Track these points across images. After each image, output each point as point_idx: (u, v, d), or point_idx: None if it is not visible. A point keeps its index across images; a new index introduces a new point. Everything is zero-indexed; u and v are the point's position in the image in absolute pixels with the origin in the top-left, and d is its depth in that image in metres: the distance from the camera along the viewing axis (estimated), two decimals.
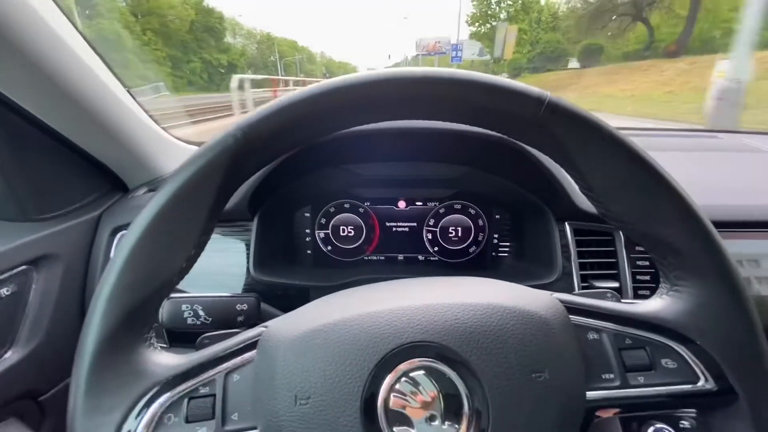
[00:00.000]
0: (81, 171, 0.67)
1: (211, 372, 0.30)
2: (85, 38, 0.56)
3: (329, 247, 0.80)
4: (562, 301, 0.32)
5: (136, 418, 0.28)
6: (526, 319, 0.29)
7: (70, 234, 0.64)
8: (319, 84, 0.29)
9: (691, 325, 0.30)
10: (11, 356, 0.54)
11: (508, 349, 0.28)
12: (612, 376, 0.30)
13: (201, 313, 0.46)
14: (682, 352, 0.30)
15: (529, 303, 0.31)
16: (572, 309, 0.32)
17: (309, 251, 0.80)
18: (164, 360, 0.31)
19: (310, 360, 0.28)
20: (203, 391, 0.30)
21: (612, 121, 0.35)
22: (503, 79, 0.29)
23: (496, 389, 0.27)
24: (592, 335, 0.31)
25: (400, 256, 0.81)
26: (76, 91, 0.55)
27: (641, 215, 0.30)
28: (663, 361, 0.30)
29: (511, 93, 0.28)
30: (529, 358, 0.28)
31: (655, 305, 0.32)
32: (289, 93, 0.29)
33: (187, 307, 0.46)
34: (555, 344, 0.29)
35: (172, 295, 0.49)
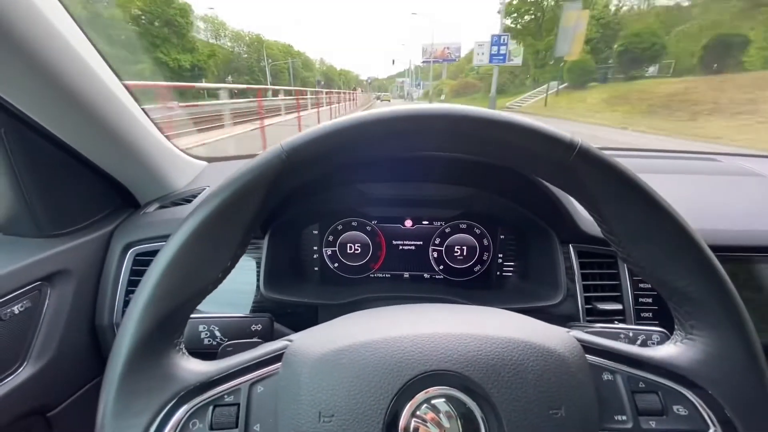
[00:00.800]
0: (94, 187, 0.69)
1: (237, 381, 0.31)
2: (99, 52, 0.58)
3: (336, 264, 0.81)
4: (579, 341, 0.33)
5: (163, 421, 0.29)
6: (545, 356, 0.30)
7: (83, 250, 0.65)
8: (367, 113, 0.31)
9: (703, 374, 0.31)
10: (23, 372, 0.55)
11: (527, 384, 0.29)
12: (625, 418, 0.31)
13: (217, 333, 0.47)
14: (693, 400, 0.31)
15: (548, 340, 0.32)
16: (588, 348, 0.33)
17: (316, 268, 0.81)
18: (193, 366, 0.32)
19: (335, 379, 0.29)
20: (228, 399, 0.31)
21: None
22: (538, 123, 0.30)
23: (513, 422, 0.28)
24: (606, 376, 0.32)
25: (406, 274, 0.82)
26: (92, 107, 0.56)
27: (661, 264, 0.31)
28: (675, 407, 0.31)
29: (545, 137, 0.30)
30: (547, 394, 0.29)
31: (669, 351, 0.33)
32: (339, 118, 0.31)
33: (204, 328, 0.47)
34: (572, 382, 0.30)
35: (192, 315, 0.50)
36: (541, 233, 0.70)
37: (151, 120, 0.71)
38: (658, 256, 0.31)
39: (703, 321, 0.31)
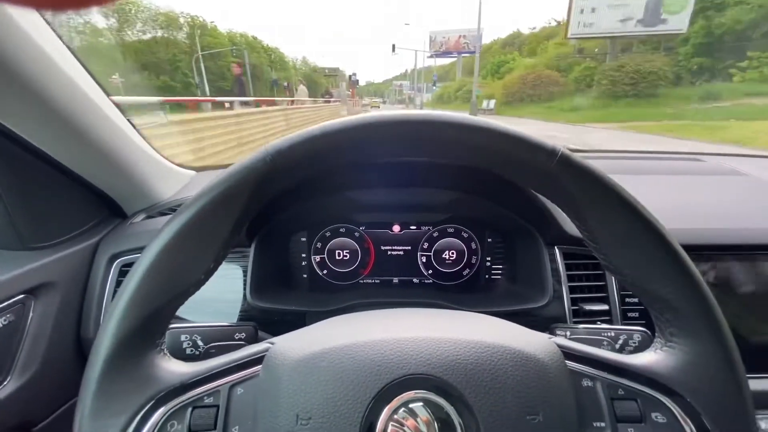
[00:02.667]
0: (79, 198, 0.68)
1: (217, 383, 0.32)
2: (81, 63, 0.58)
3: (325, 271, 0.81)
4: (560, 346, 0.33)
5: (140, 422, 0.29)
6: (524, 361, 0.31)
7: (67, 262, 0.64)
8: (353, 118, 0.31)
9: (682, 381, 0.31)
10: (7, 387, 0.54)
11: (505, 389, 0.29)
12: (603, 425, 0.31)
13: (200, 342, 0.47)
14: (671, 407, 0.31)
15: (528, 345, 0.32)
16: (569, 355, 0.33)
17: (305, 275, 0.80)
18: (173, 367, 0.32)
19: (313, 381, 0.30)
20: (207, 401, 0.31)
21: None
22: (520, 130, 0.31)
23: (491, 427, 0.28)
24: (586, 382, 0.32)
25: (395, 279, 0.82)
26: (74, 118, 0.56)
27: (642, 273, 0.31)
28: (653, 414, 0.31)
29: (527, 144, 0.31)
30: (525, 399, 0.29)
31: (649, 359, 0.33)
32: (326, 122, 0.31)
33: (186, 338, 0.47)
34: (551, 388, 0.30)
35: (172, 324, 0.50)
36: (527, 236, 0.70)
37: (137, 130, 0.71)
38: (639, 264, 0.31)
39: (682, 329, 0.31)
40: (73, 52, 0.56)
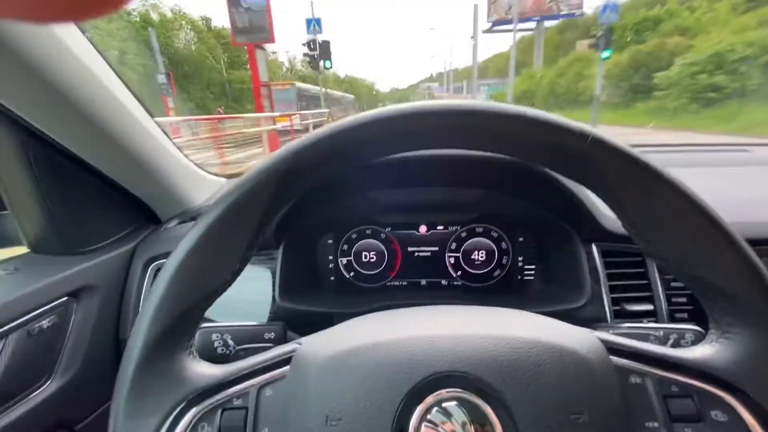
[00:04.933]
0: (118, 206, 0.71)
1: (246, 384, 0.31)
2: (117, 74, 0.61)
3: (352, 274, 0.80)
4: (603, 341, 0.31)
5: (173, 423, 0.29)
6: (565, 357, 0.29)
7: (107, 266, 0.67)
8: (372, 113, 0.31)
9: (743, 375, 0.28)
10: (50, 386, 0.56)
11: (545, 387, 0.28)
12: (656, 425, 0.29)
13: (230, 342, 0.47)
14: (733, 404, 0.28)
15: (569, 340, 0.30)
16: (613, 350, 0.31)
17: (332, 278, 0.80)
18: (203, 369, 0.32)
19: (343, 381, 0.29)
20: (237, 402, 0.31)
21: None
22: (549, 114, 0.29)
23: (531, 427, 0.27)
24: (634, 379, 0.30)
25: (423, 281, 0.80)
26: (114, 129, 0.59)
27: (690, 257, 0.29)
28: (713, 413, 0.28)
29: (557, 127, 0.29)
30: (567, 397, 0.27)
31: (703, 352, 0.30)
32: (345, 119, 0.31)
33: (217, 337, 0.47)
34: (595, 385, 0.28)
35: (203, 324, 0.51)
36: (561, 233, 0.67)
37: (170, 138, 0.74)
38: (687, 250, 0.28)
39: (740, 318, 0.28)
40: (110, 65, 0.59)
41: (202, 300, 0.31)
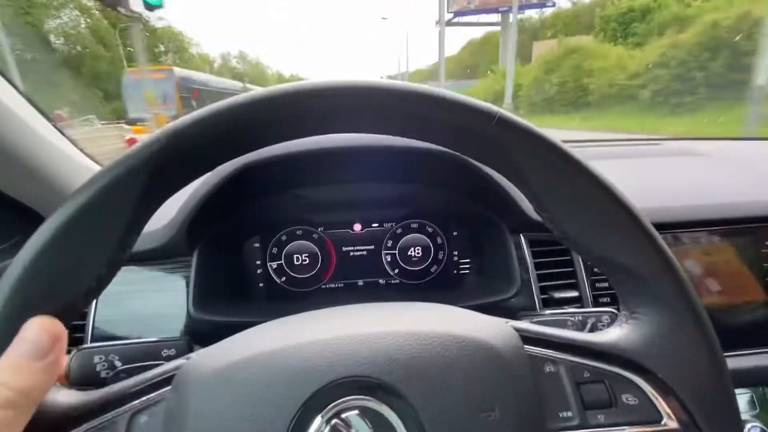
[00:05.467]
0: None
1: (114, 413, 0.26)
2: None
3: (283, 278, 0.75)
4: (517, 330, 0.29)
5: None
6: (476, 350, 0.27)
7: None
8: (267, 90, 0.27)
9: (651, 355, 0.28)
10: None
11: (454, 385, 0.25)
12: (570, 414, 0.28)
13: (117, 363, 0.40)
14: (643, 386, 0.28)
15: (480, 331, 0.28)
16: (528, 339, 0.29)
17: (261, 284, 0.74)
18: (59, 398, 0.26)
19: (228, 398, 0.25)
20: None
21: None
22: (456, 94, 0.28)
23: (438, 431, 0.24)
24: (549, 368, 0.29)
25: (360, 282, 0.77)
26: None
27: (598, 238, 0.28)
28: (624, 396, 0.28)
29: (463, 107, 0.27)
30: (477, 394, 0.25)
31: (614, 335, 0.30)
32: (232, 97, 0.27)
33: (100, 359, 0.40)
34: (507, 378, 0.26)
35: (85, 345, 0.43)
36: (491, 225, 0.68)
37: (53, 124, 0.63)
38: (594, 230, 0.28)
39: (646, 297, 0.28)
40: None
41: (58, 314, 0.25)
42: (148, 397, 0.27)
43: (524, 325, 0.30)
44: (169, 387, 0.27)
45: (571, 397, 0.28)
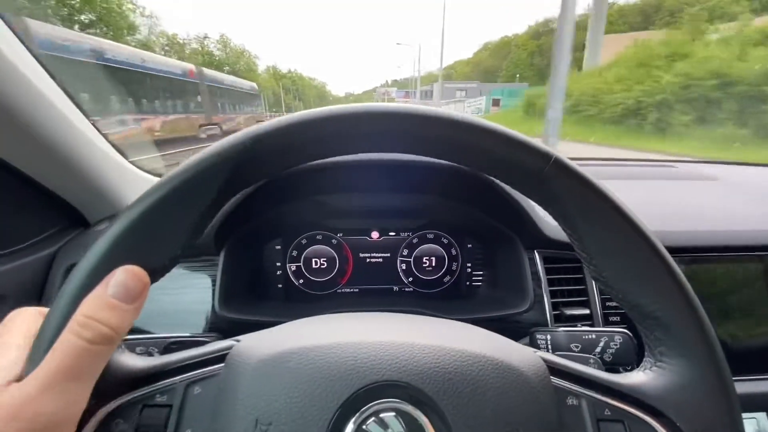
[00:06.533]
0: (35, 206, 0.64)
1: (172, 379, 0.29)
2: (39, 61, 0.54)
3: (301, 281, 0.78)
4: (545, 361, 0.31)
5: (83, 417, 0.25)
6: (507, 373, 0.29)
7: (20, 273, 0.60)
8: (343, 107, 0.29)
9: (671, 403, 0.29)
10: None
11: (485, 402, 0.27)
12: None
13: (156, 355, 0.43)
14: (658, 429, 0.29)
15: (512, 357, 0.30)
16: (554, 370, 0.31)
17: (280, 285, 0.77)
18: (125, 360, 0.29)
19: (277, 383, 0.27)
20: (160, 399, 0.28)
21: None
22: (515, 132, 0.29)
23: None
24: (571, 400, 0.30)
25: (374, 288, 0.79)
26: (30, 119, 0.53)
27: (633, 286, 0.30)
28: None
29: (521, 146, 0.29)
30: (504, 414, 0.27)
31: (637, 379, 0.31)
32: (310, 110, 0.29)
33: (141, 350, 0.43)
34: (533, 403, 0.28)
35: (127, 337, 0.46)
36: (506, 240, 0.69)
37: (101, 132, 0.68)
38: (630, 278, 0.29)
39: (673, 348, 0.30)
40: (31, 51, 0.53)
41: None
42: (203, 370, 0.29)
43: (552, 357, 0.32)
44: (223, 364, 0.30)
45: (589, 430, 0.29)
